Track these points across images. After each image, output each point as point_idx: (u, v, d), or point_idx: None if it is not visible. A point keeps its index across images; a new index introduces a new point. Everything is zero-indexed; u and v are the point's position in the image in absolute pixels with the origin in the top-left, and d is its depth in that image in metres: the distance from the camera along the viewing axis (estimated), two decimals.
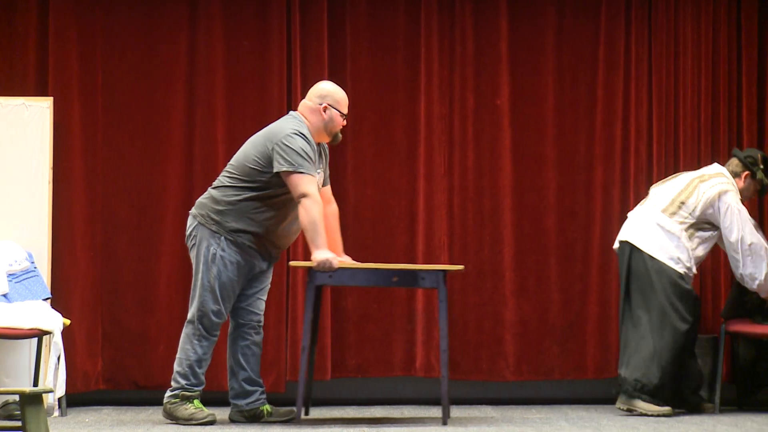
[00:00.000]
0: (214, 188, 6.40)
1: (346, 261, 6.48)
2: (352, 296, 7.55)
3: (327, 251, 6.19)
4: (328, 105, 6.36)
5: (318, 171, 6.33)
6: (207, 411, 6.34)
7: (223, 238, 6.30)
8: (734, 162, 7.08)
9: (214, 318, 6.34)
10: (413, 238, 7.57)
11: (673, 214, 6.91)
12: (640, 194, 7.33)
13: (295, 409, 6.29)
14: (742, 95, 7.55)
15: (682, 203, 6.91)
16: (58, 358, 6.72)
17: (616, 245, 7.07)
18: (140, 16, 7.56)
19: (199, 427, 6.24)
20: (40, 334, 6.76)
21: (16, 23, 7.45)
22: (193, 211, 6.42)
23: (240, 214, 6.30)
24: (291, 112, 6.47)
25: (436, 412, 6.73)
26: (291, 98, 7.51)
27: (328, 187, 6.57)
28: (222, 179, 6.39)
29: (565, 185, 7.59)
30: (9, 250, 7.02)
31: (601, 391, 7.44)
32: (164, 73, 7.54)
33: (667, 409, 6.76)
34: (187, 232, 6.42)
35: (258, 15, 7.57)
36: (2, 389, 5.81)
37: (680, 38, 7.57)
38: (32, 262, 7.04)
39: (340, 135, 6.45)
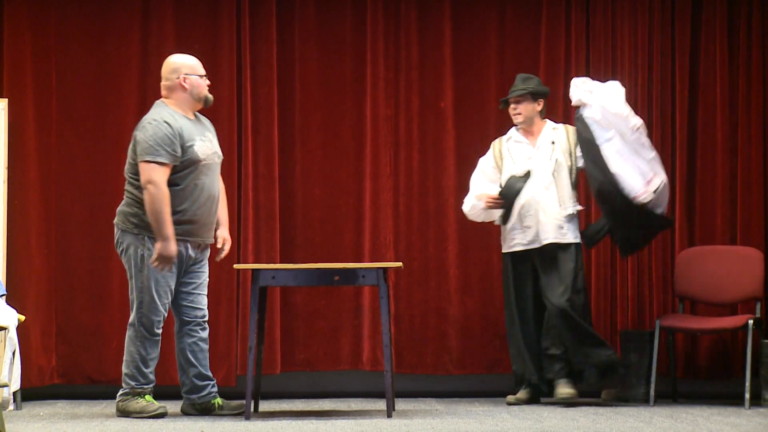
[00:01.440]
0: (125, 193, 6.44)
1: (221, 237, 6.52)
2: (302, 293, 7.62)
3: (171, 243, 6.21)
4: (185, 75, 6.40)
5: (202, 139, 6.32)
6: (158, 404, 6.39)
7: (146, 237, 6.33)
8: None
9: (153, 317, 6.38)
10: (360, 236, 7.66)
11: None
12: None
13: (245, 402, 6.33)
14: (675, 99, 7.65)
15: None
16: (13, 353, 6.76)
17: None
18: (93, 19, 7.62)
19: (150, 419, 6.28)
20: None
21: None
22: (115, 220, 6.45)
23: None
24: (157, 101, 6.46)
25: (382, 404, 6.79)
26: (241, 100, 7.60)
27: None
28: (126, 183, 6.43)
29: None
30: None
31: None
32: (117, 75, 7.60)
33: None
34: (115, 241, 6.45)
35: (208, 19, 7.64)
36: None
37: (617, 44, 7.68)
38: None
39: (210, 96, 6.46)
